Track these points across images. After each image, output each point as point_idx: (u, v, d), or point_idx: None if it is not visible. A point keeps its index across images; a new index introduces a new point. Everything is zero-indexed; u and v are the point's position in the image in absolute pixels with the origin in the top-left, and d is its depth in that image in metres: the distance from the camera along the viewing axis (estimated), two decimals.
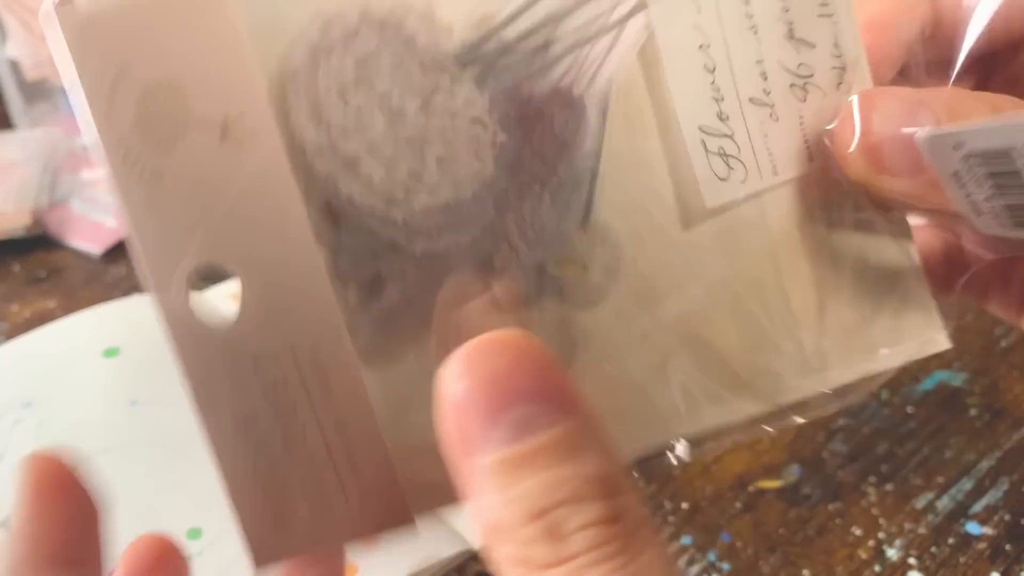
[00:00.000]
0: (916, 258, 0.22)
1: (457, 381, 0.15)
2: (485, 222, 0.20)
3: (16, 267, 0.52)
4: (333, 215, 0.19)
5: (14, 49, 0.64)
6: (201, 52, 0.18)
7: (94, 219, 0.55)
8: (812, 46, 0.21)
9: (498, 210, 0.20)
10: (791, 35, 0.21)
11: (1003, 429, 0.39)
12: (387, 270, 0.19)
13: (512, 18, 0.20)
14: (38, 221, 0.53)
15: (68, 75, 0.18)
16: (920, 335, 0.22)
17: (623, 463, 0.15)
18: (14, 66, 0.64)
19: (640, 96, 0.21)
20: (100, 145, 0.18)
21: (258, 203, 0.19)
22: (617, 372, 0.21)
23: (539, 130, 0.20)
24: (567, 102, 0.20)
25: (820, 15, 0.21)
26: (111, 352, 0.41)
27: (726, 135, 0.21)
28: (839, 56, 0.21)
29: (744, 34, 0.21)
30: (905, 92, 0.21)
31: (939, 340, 0.22)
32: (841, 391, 0.22)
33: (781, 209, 0.22)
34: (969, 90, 0.21)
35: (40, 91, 0.66)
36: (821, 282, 0.22)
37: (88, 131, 0.18)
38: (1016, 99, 0.21)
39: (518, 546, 0.14)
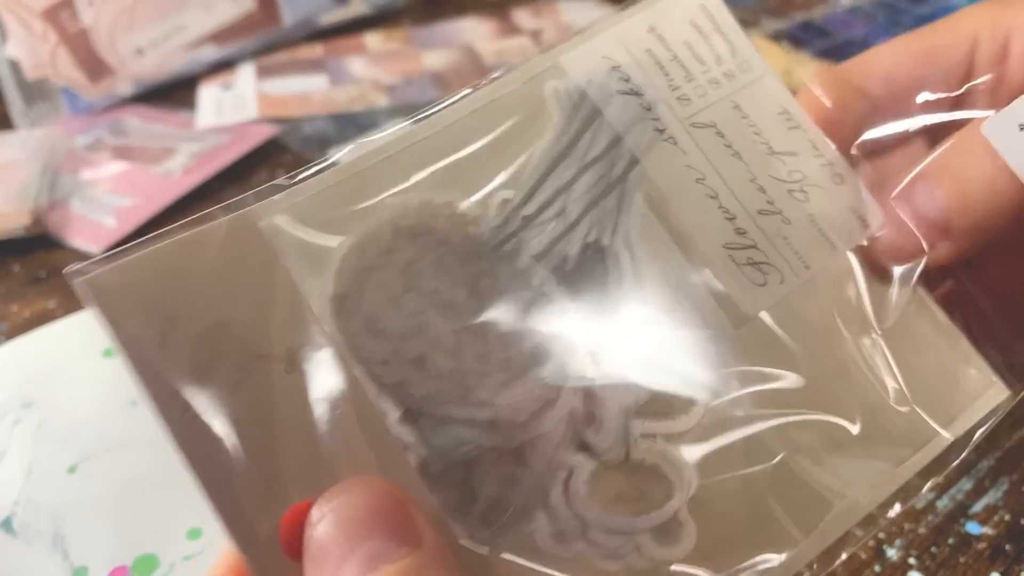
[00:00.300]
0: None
1: (317, 523, 0.17)
2: (561, 381, 0.20)
3: (16, 267, 0.52)
4: (413, 419, 0.19)
5: (14, 49, 0.64)
6: (251, 291, 0.19)
7: (94, 219, 0.55)
8: (794, 154, 0.24)
9: (569, 364, 0.21)
10: (772, 151, 0.23)
11: (1003, 429, 0.39)
12: (481, 456, 0.20)
13: (527, 197, 0.21)
14: (38, 221, 0.53)
15: (109, 340, 0.18)
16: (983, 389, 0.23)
17: None
18: (14, 66, 0.64)
19: (660, 236, 0.22)
20: (153, 404, 0.18)
21: (336, 429, 0.18)
22: (741, 483, 0.21)
23: (581, 283, 0.21)
24: (599, 254, 0.22)
25: (790, 128, 0.24)
26: (111, 352, 0.41)
27: (750, 246, 0.23)
28: (820, 155, 0.24)
29: (730, 161, 0.23)
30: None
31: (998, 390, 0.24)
32: (962, 440, 0.23)
33: (825, 302, 0.23)
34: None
35: (40, 91, 0.66)
36: (894, 362, 0.23)
37: (139, 393, 0.17)
38: None
39: None
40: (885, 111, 0.25)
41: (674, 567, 0.20)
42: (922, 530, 0.35)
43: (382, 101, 0.68)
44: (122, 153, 0.61)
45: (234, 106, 0.67)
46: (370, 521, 0.16)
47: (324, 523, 0.17)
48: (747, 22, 0.24)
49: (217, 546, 0.33)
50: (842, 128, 0.24)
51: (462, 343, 0.20)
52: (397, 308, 0.19)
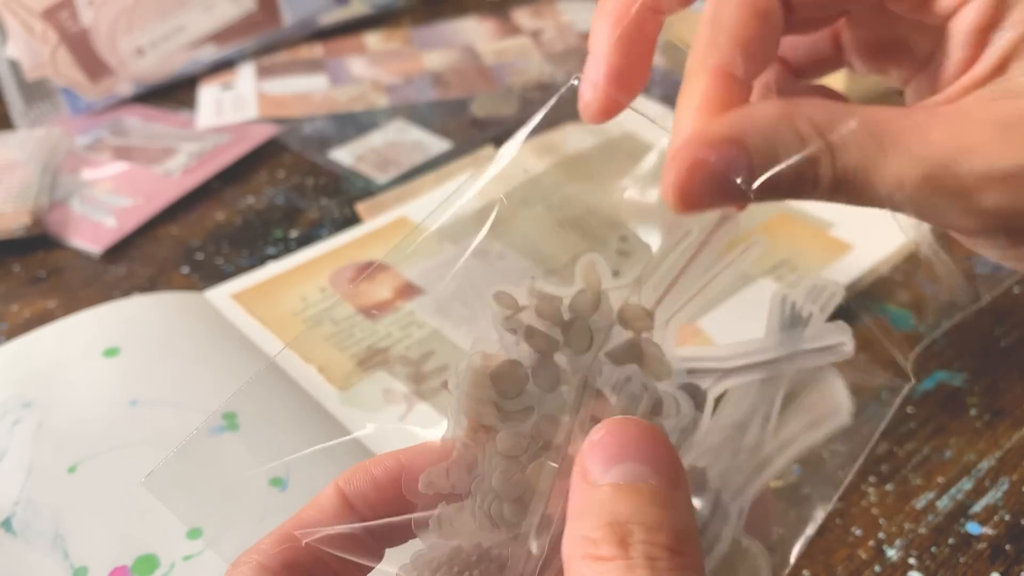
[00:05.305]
0: None
1: (596, 432, 0.19)
2: None
3: (16, 267, 0.52)
4: None
5: (14, 49, 0.64)
6: None
7: (94, 219, 0.55)
8: None
9: None
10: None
11: (1003, 429, 0.39)
12: None
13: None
14: (38, 221, 0.53)
15: None
16: None
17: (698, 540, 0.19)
18: (14, 66, 0.64)
19: None
20: None
21: None
22: None
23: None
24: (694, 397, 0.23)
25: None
26: (111, 352, 0.41)
27: None
28: None
29: None
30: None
31: None
32: None
33: None
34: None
35: (40, 91, 0.66)
36: None
37: None
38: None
39: (588, 543, 0.18)
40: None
41: None
42: (922, 530, 0.35)
43: (382, 101, 0.68)
44: (122, 153, 0.61)
45: (234, 106, 0.67)
46: (638, 449, 0.19)
47: (601, 433, 0.19)
48: None
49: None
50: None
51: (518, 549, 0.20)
52: (447, 542, 0.21)
